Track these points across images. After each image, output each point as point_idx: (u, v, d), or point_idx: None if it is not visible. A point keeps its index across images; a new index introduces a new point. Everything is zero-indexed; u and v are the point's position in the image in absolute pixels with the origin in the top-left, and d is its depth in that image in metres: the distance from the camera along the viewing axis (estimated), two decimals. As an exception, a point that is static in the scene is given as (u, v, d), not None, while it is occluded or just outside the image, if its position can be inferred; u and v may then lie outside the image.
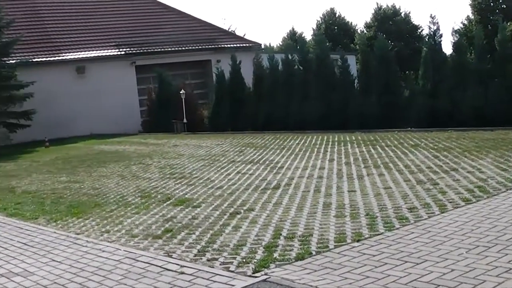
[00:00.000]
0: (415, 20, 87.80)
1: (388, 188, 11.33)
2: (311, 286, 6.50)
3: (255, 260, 7.53)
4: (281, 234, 8.64)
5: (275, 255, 7.68)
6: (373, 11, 74.25)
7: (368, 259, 7.17)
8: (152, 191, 13.43)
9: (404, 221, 8.74)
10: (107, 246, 8.94)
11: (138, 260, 8.01)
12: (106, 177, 16.44)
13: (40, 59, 34.66)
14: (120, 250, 8.61)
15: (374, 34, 57.44)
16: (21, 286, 7.52)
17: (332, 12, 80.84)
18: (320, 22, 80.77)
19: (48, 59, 35.15)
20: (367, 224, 8.78)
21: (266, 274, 7.02)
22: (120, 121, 34.26)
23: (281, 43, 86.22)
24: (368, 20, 74.58)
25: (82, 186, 15.21)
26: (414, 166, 13.55)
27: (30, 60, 33.25)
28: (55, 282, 7.52)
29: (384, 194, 10.85)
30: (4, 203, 13.79)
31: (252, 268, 7.25)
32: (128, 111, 35.56)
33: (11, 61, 31.15)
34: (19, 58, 32.55)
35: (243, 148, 20.53)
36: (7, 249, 9.53)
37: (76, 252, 8.78)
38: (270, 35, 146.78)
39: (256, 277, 6.97)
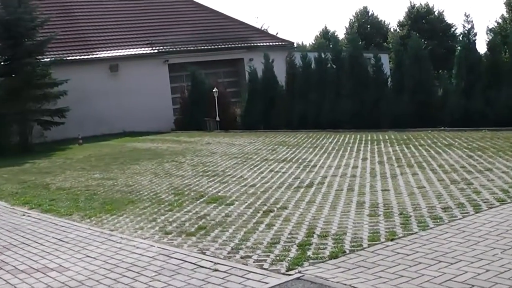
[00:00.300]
0: (449, 18, 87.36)
1: (421, 188, 11.26)
2: (345, 284, 6.49)
3: (289, 258, 7.54)
4: (314, 233, 8.63)
5: (309, 253, 7.68)
6: (406, 10, 73.94)
7: (402, 259, 7.14)
8: (185, 189, 13.48)
9: (438, 220, 8.68)
10: (141, 242, 9.00)
11: (172, 257, 8.05)
12: (140, 175, 16.54)
13: (74, 57, 34.90)
14: (154, 247, 8.67)
15: (408, 32, 57.24)
16: (56, 281, 7.61)
17: (365, 11, 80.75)
18: (353, 20, 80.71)
19: (82, 57, 35.41)
20: (401, 223, 8.74)
21: (299, 272, 7.02)
22: (152, 119, 34.39)
23: (313, 42, 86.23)
24: (401, 18, 74.30)
25: (115, 183, 15.32)
26: (448, 166, 13.46)
27: (64, 59, 33.44)
28: (90, 278, 7.59)
29: (418, 193, 10.79)
30: (39, 199, 13.95)
31: (286, 266, 7.26)
32: (160, 109, 35.70)
33: (45, 59, 31.36)
34: (53, 56, 32.74)
35: (276, 146, 20.53)
36: (43, 244, 9.65)
37: (110, 249, 8.86)
38: (303, 34, 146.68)
39: (289, 275, 6.97)
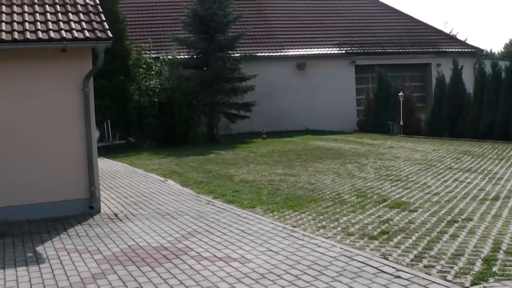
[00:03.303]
0: None
1: None
2: (532, 306, 6.25)
3: (473, 272, 7.37)
4: (500, 248, 8.38)
5: (494, 269, 7.47)
6: None
7: None
8: (368, 191, 13.43)
9: None
10: (323, 242, 9.05)
11: (353, 259, 8.05)
12: (322, 173, 16.61)
13: (263, 54, 35.60)
14: (336, 247, 8.69)
15: None
16: (238, 272, 7.80)
17: (560, 20, 77.07)
18: (545, 29, 77.28)
19: (271, 54, 36.05)
20: None
21: (484, 287, 6.81)
22: (335, 119, 34.60)
23: (502, 50, 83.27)
24: None
25: (298, 180, 15.47)
26: None
27: (254, 54, 34.21)
28: (271, 272, 7.72)
29: None
30: (223, 190, 14.35)
31: (470, 280, 7.11)
32: (344, 109, 35.79)
33: (235, 54, 32.16)
34: (243, 52, 33.56)
35: (460, 155, 19.99)
36: (226, 234, 9.93)
37: (292, 245, 8.97)
38: (491, 41, 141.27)
39: (474, 289, 6.81)
